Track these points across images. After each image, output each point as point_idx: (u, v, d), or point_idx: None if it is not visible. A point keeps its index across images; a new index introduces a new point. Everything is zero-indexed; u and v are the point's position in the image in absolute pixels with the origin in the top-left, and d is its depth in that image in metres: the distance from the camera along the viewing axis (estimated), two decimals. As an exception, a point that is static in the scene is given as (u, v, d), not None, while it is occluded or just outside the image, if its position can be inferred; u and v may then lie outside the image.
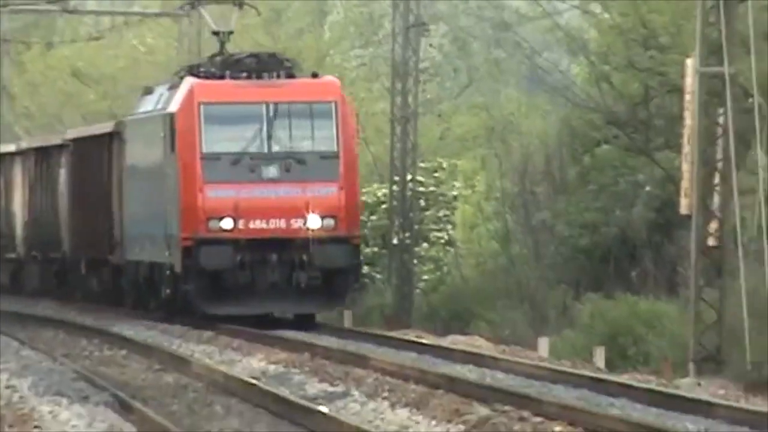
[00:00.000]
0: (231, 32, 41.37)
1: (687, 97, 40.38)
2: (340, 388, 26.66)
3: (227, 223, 32.15)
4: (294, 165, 32.77)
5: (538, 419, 20.85)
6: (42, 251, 57.76)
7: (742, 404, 26.45)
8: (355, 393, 24.99)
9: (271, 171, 32.56)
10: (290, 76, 36.55)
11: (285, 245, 32.43)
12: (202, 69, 37.30)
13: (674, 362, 38.95)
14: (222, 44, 40.90)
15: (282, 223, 32.31)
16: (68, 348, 38.57)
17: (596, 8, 67.43)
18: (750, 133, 42.89)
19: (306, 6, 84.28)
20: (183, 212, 33.19)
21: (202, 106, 33.13)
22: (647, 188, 59.37)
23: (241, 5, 43.77)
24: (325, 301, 33.69)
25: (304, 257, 32.24)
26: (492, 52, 79.77)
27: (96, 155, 50.07)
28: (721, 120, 39.49)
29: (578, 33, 67.04)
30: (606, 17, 65.67)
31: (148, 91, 45.36)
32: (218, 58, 39.32)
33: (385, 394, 23.84)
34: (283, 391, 33.25)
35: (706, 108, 39.36)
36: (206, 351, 36.07)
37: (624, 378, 29.87)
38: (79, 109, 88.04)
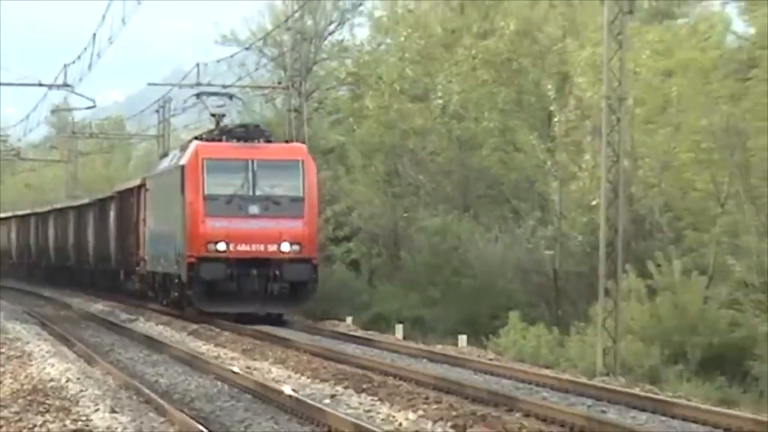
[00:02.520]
0: (224, 115, 56.06)
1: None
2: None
3: (221, 246, 43.15)
4: (271, 205, 43.63)
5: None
6: (102, 264, 78.90)
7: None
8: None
9: (254, 209, 43.50)
10: (268, 141, 48.74)
11: (263, 263, 43.36)
12: (204, 136, 50.68)
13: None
14: (217, 123, 54.07)
15: (261, 247, 43.03)
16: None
17: None
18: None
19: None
20: (189, 238, 44.32)
21: (204, 161, 44.66)
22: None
23: (231, 97, 60.56)
24: (291, 304, 45.84)
25: (277, 272, 43.29)
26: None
27: (131, 201, 65.71)
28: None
29: None
30: None
31: (164, 154, 62.43)
32: (216, 129, 51.77)
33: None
34: (114, 318, 59.75)
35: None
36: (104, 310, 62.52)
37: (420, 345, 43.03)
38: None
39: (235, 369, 36.38)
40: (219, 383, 34.92)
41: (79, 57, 62.21)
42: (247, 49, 79.25)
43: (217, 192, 43.52)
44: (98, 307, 69.70)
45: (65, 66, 65.32)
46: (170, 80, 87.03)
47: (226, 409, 29.83)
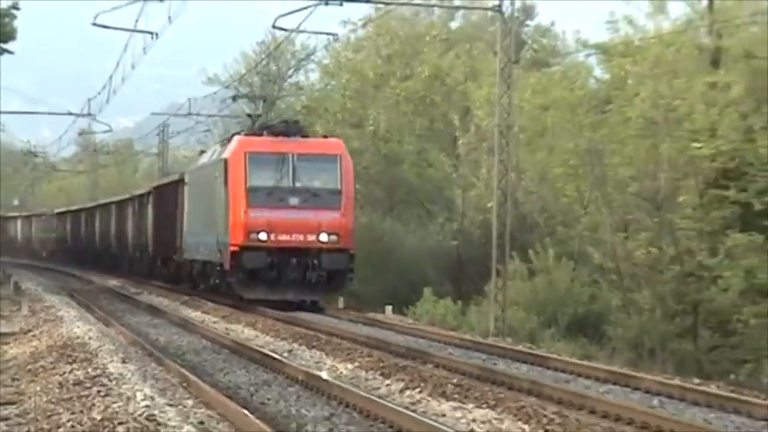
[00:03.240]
0: (259, 115, 50.47)
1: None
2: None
3: (263, 236, 36.91)
4: (310, 197, 37.27)
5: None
6: (139, 252, 70.14)
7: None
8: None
9: (294, 200, 37.17)
10: (305, 136, 41.47)
11: (302, 252, 37.04)
12: (245, 131, 43.54)
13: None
14: (253, 123, 47.57)
15: (301, 237, 36.79)
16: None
17: None
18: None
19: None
20: (232, 227, 37.91)
21: (247, 154, 38.29)
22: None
23: (264, 99, 55.33)
24: (327, 292, 39.02)
25: (315, 261, 37.07)
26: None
27: (168, 195, 57.43)
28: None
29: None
30: None
31: (202, 152, 54.17)
32: (257, 123, 45.93)
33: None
34: (125, 291, 57.91)
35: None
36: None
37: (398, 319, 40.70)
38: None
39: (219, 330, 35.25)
40: (204, 341, 34.67)
41: (99, 93, 63.38)
42: (226, 87, 79.17)
43: (259, 184, 37.80)
44: (113, 282, 67.15)
45: (89, 100, 68.42)
46: (168, 111, 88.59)
47: (210, 360, 29.78)
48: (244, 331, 37.27)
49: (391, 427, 19.54)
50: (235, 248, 37.30)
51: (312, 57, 76.96)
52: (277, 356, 28.89)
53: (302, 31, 51.56)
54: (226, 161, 39.39)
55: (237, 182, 37.95)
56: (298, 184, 37.85)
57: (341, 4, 43.14)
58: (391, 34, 64.87)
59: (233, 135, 44.59)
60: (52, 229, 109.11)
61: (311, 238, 37.06)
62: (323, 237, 36.97)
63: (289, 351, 31.04)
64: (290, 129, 40.40)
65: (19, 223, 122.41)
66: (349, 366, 27.24)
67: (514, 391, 22.87)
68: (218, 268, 41.26)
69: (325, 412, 21.07)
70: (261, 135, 40.60)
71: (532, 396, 22.54)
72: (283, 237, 36.93)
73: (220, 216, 39.96)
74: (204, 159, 49.11)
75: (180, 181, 54.05)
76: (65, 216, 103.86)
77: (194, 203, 49.34)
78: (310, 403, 22.18)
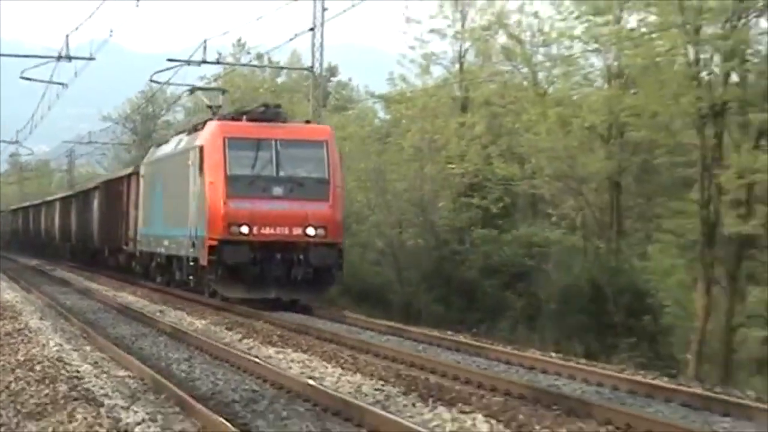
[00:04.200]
0: (219, 106, 35.54)
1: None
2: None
3: (245, 229, 26.60)
4: (296, 187, 27.13)
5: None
6: (83, 242, 56.48)
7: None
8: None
9: (279, 190, 26.86)
10: (285, 122, 30.73)
11: (287, 247, 26.84)
12: (223, 115, 31.85)
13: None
14: (213, 113, 34.41)
15: (286, 230, 26.52)
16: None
17: None
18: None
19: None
20: (210, 220, 27.17)
21: (226, 139, 27.68)
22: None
23: (223, 92, 39.76)
24: (315, 290, 28.04)
25: (301, 257, 26.87)
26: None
27: (118, 189, 45.63)
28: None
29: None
30: None
31: (159, 143, 40.83)
32: (235, 108, 35.14)
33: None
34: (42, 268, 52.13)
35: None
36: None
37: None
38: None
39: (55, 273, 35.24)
40: (99, 304, 32.93)
41: (24, 126, 62.08)
42: (116, 123, 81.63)
43: (240, 172, 27.43)
44: (35, 262, 64.01)
45: (17, 131, 67.97)
46: (75, 140, 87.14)
47: (103, 318, 28.58)
48: (128, 297, 36.06)
49: (232, 366, 18.99)
50: (214, 242, 27.10)
51: (179, 100, 77.22)
52: (150, 315, 28.37)
53: (171, 84, 49.71)
54: (201, 148, 28.99)
55: (215, 170, 27.81)
56: (282, 173, 27.85)
57: (199, 65, 42.05)
58: (235, 86, 64.63)
59: (205, 120, 32.66)
60: (7, 223, 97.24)
61: (297, 231, 27.20)
62: (310, 230, 27.36)
63: (161, 311, 30.13)
64: (271, 114, 30.06)
65: None
66: (203, 322, 26.84)
67: (321, 340, 22.51)
68: (191, 263, 30.34)
69: (186, 355, 20.76)
70: (240, 120, 29.98)
71: (333, 343, 22.14)
72: (267, 230, 27.07)
73: (194, 207, 29.56)
74: (164, 150, 37.08)
75: (131, 176, 43.38)
76: (17, 212, 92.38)
77: (153, 195, 37.51)
78: (174, 348, 21.93)
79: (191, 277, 29.99)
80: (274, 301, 27.08)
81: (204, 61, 39.68)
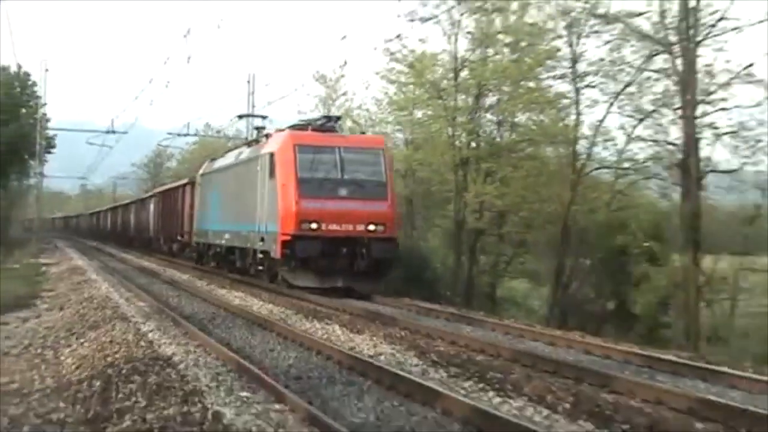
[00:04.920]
0: (264, 127, 35.22)
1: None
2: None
3: (314, 225, 24.79)
4: (358, 188, 25.49)
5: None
6: (140, 233, 58.19)
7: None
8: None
9: (343, 191, 25.29)
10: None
11: (351, 242, 25.08)
12: (290, 126, 29.39)
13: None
14: (258, 131, 34.99)
15: (350, 227, 24.94)
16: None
17: None
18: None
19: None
20: (283, 217, 25.25)
21: (296, 146, 25.74)
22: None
23: (264, 117, 39.72)
24: (374, 280, 25.87)
25: (363, 250, 25.18)
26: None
27: (171, 197, 45.95)
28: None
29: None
30: None
31: (212, 158, 39.00)
32: (301, 120, 32.14)
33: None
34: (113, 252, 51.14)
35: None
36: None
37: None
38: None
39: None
40: (130, 267, 36.87)
41: (88, 169, 78.30)
42: (139, 168, 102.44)
43: (309, 175, 25.72)
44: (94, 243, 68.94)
45: (85, 172, 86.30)
46: (117, 177, 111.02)
47: (132, 275, 32.17)
48: (143, 261, 42.06)
49: (203, 299, 22.89)
50: (287, 237, 25.13)
51: (172, 156, 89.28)
52: (157, 271, 33.84)
53: (170, 147, 59.37)
54: (272, 154, 26.88)
55: (287, 174, 25.81)
56: (346, 176, 25.95)
57: (185, 136, 51.38)
58: (205, 148, 66.53)
59: (267, 134, 31.23)
60: (86, 222, 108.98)
61: (360, 227, 25.43)
62: (371, 227, 25.59)
63: (164, 270, 35.05)
64: (331, 125, 28.22)
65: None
66: (186, 275, 31.68)
67: (250, 286, 26.38)
68: (260, 254, 27.85)
69: (177, 293, 24.71)
70: (305, 130, 28.02)
71: (254, 287, 26.31)
72: (334, 227, 25.27)
73: (264, 206, 27.13)
74: (221, 162, 35.03)
75: (185, 186, 42.39)
76: (93, 215, 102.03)
77: (210, 198, 35.31)
78: (172, 289, 25.92)
79: (261, 267, 27.86)
80: (338, 290, 25.16)
81: (187, 134, 51.10)
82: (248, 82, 48.93)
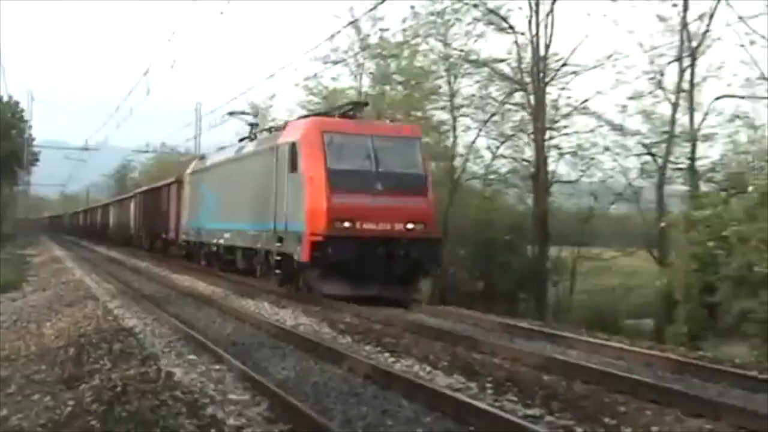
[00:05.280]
0: (257, 124, 27.04)
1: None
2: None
3: (348, 224, 17.47)
4: (394, 182, 18.05)
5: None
6: (121, 231, 49.90)
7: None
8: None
9: (378, 185, 17.91)
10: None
11: (389, 243, 17.57)
12: (312, 114, 21.96)
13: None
14: (252, 128, 25.94)
15: (387, 226, 17.65)
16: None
17: None
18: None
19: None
20: (311, 214, 17.75)
21: (324, 134, 18.34)
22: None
23: (256, 115, 32.88)
24: (411, 286, 18.59)
25: (402, 252, 17.72)
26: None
27: (157, 196, 37.99)
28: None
29: None
30: None
31: (202, 156, 30.57)
32: (323, 108, 25.50)
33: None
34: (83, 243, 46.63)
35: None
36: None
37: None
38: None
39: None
40: (100, 257, 34.98)
41: (67, 178, 75.38)
42: (108, 178, 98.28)
43: (341, 167, 18.03)
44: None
45: (64, 181, 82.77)
46: (91, 185, 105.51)
47: (102, 263, 30.85)
48: (112, 252, 39.02)
49: (159, 282, 21.63)
50: (318, 238, 17.79)
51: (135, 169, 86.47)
52: (123, 260, 32.51)
53: (133, 161, 56.90)
54: (293, 144, 19.12)
55: (314, 165, 18.36)
56: (381, 168, 18.63)
57: (146, 152, 49.97)
58: (163, 162, 62.68)
59: (286, 122, 22.74)
60: (68, 220, 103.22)
61: (398, 226, 18.25)
62: (410, 225, 18.40)
63: (127, 258, 33.73)
64: (359, 111, 20.07)
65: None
66: (145, 263, 30.53)
67: (197, 272, 24.62)
68: (275, 257, 19.80)
69: (138, 278, 23.71)
70: (332, 116, 20.29)
71: (194, 271, 24.77)
72: (369, 225, 17.98)
73: (283, 203, 19.36)
74: (217, 157, 26.63)
75: (171, 185, 34.63)
76: (75, 214, 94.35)
77: (202, 196, 26.94)
78: (134, 275, 24.91)
79: (277, 271, 19.54)
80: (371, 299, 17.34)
81: (147, 151, 51.98)
82: (196, 110, 50.01)
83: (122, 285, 20.30)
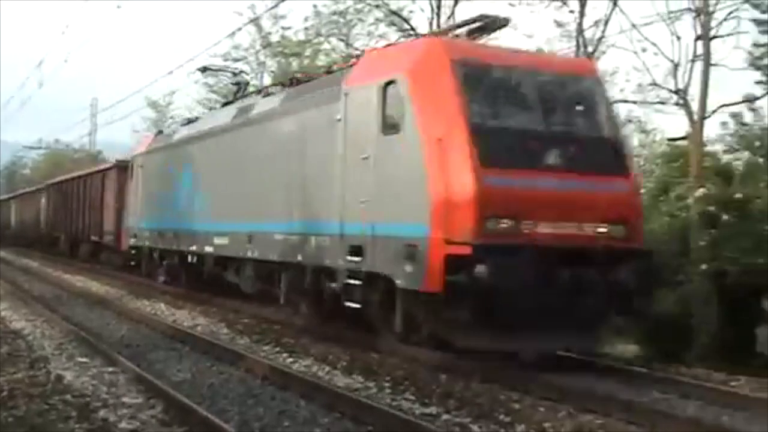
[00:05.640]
0: (247, 82, 20.86)
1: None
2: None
3: (507, 224, 7.91)
4: (577, 151, 8.49)
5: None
6: (26, 231, 42.52)
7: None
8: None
9: (552, 157, 8.38)
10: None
11: (577, 257, 7.98)
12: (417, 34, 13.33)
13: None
14: (238, 86, 18.99)
15: (573, 229, 8.19)
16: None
17: None
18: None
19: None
20: (440, 207, 8.05)
21: (456, 65, 8.27)
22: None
23: (235, 74, 21.95)
24: (597, 330, 8.49)
25: (596, 274, 7.98)
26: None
27: (83, 188, 30.86)
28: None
29: None
30: None
31: (160, 130, 23.85)
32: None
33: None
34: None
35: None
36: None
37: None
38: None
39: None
40: (7, 265, 29.56)
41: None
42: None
43: (491, 124, 7.92)
44: None
45: None
46: None
47: (10, 274, 26.00)
48: (28, 262, 31.77)
49: (50, 282, 21.78)
50: (459, 249, 7.89)
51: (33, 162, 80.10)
52: (12, 260, 31.33)
53: (25, 157, 54.69)
54: (391, 84, 9.42)
55: (443, 119, 8.44)
56: (555, 127, 8.87)
57: (39, 149, 48.93)
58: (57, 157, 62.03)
59: (373, 48, 14.86)
60: None
61: (589, 229, 8.54)
62: (604, 228, 8.72)
63: (36, 265, 30.12)
64: (496, 24, 10.29)
65: None
66: (36, 263, 29.87)
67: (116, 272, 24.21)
68: (349, 281, 10.26)
69: (28, 278, 23.10)
70: (456, 36, 10.44)
71: (93, 271, 24.04)
72: (546, 228, 8.33)
73: (362, 190, 9.88)
74: (203, 125, 17.22)
75: (107, 171, 27.81)
76: None
77: (172, 185, 18.04)
78: (24, 275, 24.27)
79: (350, 304, 10.59)
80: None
81: (40, 147, 50.64)
82: (91, 105, 49.76)
83: (10, 286, 19.93)
